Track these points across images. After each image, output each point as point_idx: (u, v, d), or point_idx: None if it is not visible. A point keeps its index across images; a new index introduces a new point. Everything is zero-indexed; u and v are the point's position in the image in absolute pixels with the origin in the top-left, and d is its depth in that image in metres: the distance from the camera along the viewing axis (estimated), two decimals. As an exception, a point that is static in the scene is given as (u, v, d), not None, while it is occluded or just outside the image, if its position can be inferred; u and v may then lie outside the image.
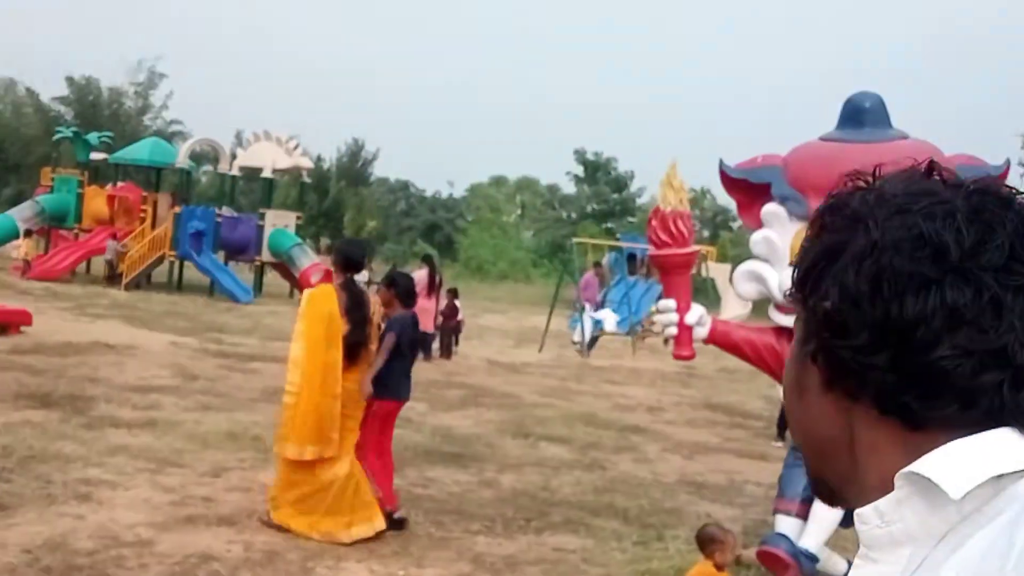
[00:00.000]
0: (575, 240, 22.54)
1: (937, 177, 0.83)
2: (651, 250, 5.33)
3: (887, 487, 0.78)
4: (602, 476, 8.41)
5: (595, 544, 6.34)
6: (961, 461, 0.75)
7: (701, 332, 5.33)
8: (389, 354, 6.33)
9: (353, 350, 6.16)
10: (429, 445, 8.86)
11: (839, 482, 0.88)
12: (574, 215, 51.05)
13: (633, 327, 19.43)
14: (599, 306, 20.01)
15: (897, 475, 0.76)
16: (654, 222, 5.22)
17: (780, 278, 5.21)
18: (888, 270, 0.78)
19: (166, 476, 6.97)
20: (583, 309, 18.87)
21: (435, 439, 9.16)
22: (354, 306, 6.18)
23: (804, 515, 5.13)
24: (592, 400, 12.92)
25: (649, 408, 12.80)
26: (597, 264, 22.16)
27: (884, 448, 0.81)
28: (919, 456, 0.77)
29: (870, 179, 0.86)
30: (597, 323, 18.64)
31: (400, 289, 6.71)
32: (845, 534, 6.56)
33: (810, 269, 0.85)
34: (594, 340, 18.64)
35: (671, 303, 5.26)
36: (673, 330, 5.27)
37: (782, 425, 11.49)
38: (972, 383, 0.76)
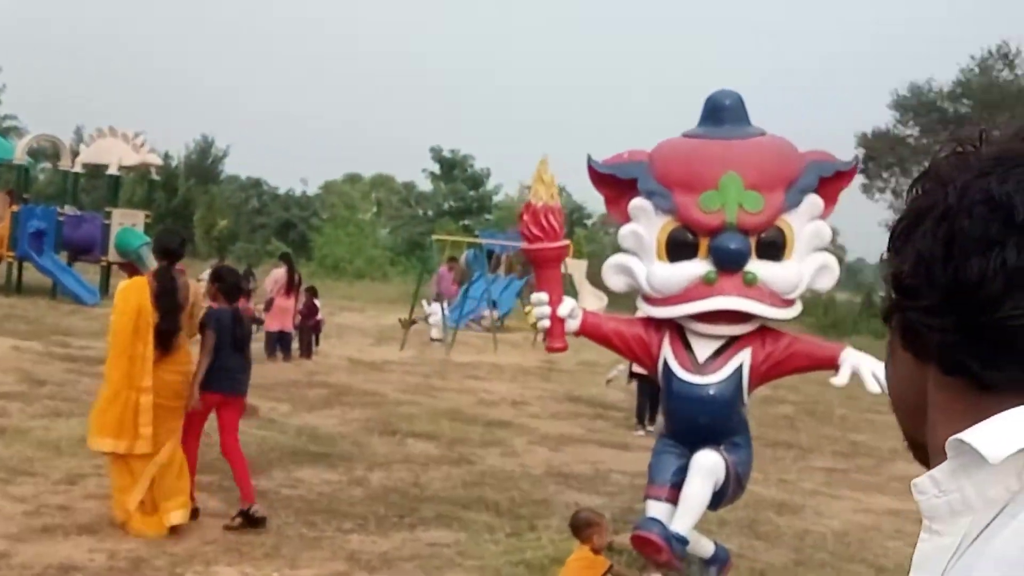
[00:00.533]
0: (434, 237, 22.50)
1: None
2: (523, 244, 5.38)
3: None
4: (471, 470, 8.44)
5: (468, 537, 6.37)
6: (1006, 426, 0.74)
7: (573, 324, 5.42)
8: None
9: (164, 338, 6.04)
10: (295, 445, 8.70)
11: (921, 441, 0.87)
12: (431, 213, 50.93)
13: (477, 319, 19.71)
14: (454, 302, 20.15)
15: (947, 443, 0.75)
16: (526, 217, 5.28)
17: (647, 271, 5.35)
18: (959, 233, 0.78)
19: (17, 486, 6.62)
20: (443, 303, 18.91)
21: (300, 439, 9.00)
22: (162, 294, 6.05)
23: (674, 500, 5.29)
24: (456, 396, 12.94)
25: (513, 402, 12.91)
26: (452, 259, 22.17)
27: (952, 410, 0.80)
28: (983, 419, 0.76)
29: (976, 143, 0.85)
30: (445, 317, 18.79)
31: (224, 284, 6.59)
32: (707, 515, 6.81)
33: (897, 233, 0.85)
34: (412, 322, 18.96)
35: (544, 296, 5.32)
36: (546, 323, 5.34)
37: (641, 414, 11.81)
38: None
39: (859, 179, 35.84)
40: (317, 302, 16.24)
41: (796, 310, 5.43)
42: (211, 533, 6.06)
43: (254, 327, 15.61)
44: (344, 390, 12.38)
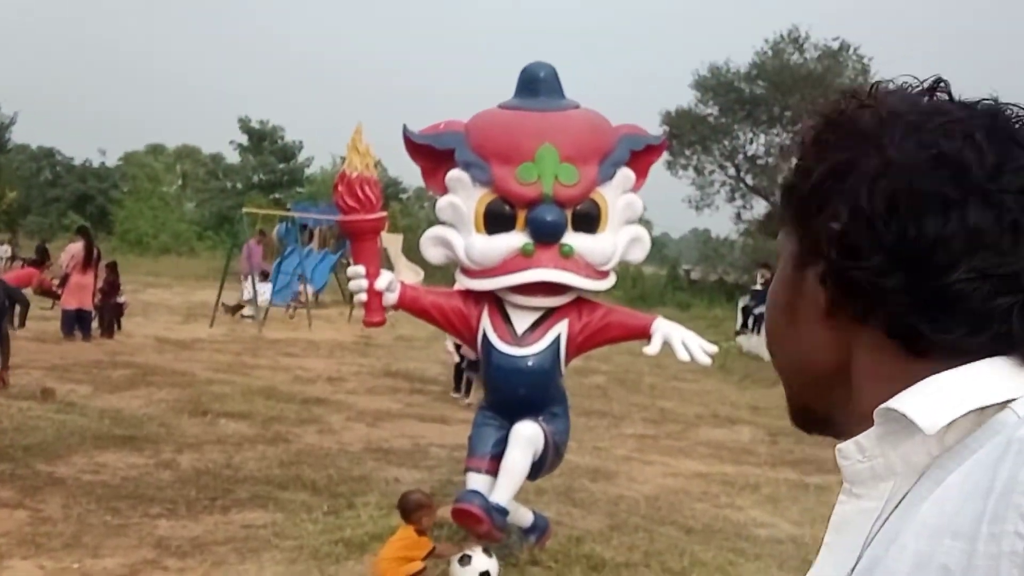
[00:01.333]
0: (244, 210, 21.74)
1: (943, 95, 0.81)
2: (339, 216, 5.25)
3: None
4: (287, 449, 8.24)
5: (285, 517, 6.21)
6: (940, 395, 0.73)
7: (391, 298, 5.33)
8: None
9: None
10: (97, 429, 8.23)
11: (828, 410, 0.85)
12: (240, 185, 49.29)
13: (296, 297, 19.31)
14: (267, 275, 19.63)
15: (876, 411, 0.74)
16: (340, 187, 5.14)
17: (465, 243, 5.32)
18: (905, 190, 0.75)
19: None
20: (253, 278, 18.39)
21: (103, 422, 8.52)
22: None
23: (494, 471, 5.31)
24: (270, 373, 12.60)
25: (329, 379, 12.69)
26: (261, 232, 21.56)
27: (883, 375, 0.78)
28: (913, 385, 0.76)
29: (866, 98, 0.82)
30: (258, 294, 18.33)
31: None
32: (526, 485, 6.90)
33: (815, 189, 0.81)
34: (237, 308, 18.47)
35: (360, 269, 5.21)
36: (363, 296, 5.23)
37: (459, 378, 11.87)
38: (984, 307, 0.74)
39: (664, 156, 37.07)
40: (118, 278, 15.44)
41: (610, 281, 5.54)
42: (3, 524, 5.66)
43: (52, 304, 14.83)
44: (150, 370, 11.83)
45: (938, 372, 0.75)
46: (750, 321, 19.59)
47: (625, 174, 5.45)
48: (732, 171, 37.81)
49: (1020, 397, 0.73)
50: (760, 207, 38.41)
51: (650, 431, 10.85)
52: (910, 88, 0.82)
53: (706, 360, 5.43)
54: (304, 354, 14.95)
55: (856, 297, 0.78)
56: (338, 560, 5.46)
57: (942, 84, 0.81)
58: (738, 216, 38.79)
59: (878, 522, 0.74)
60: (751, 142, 37.23)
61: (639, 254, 5.64)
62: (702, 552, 6.23)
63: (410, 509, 5.17)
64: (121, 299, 15.43)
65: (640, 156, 5.56)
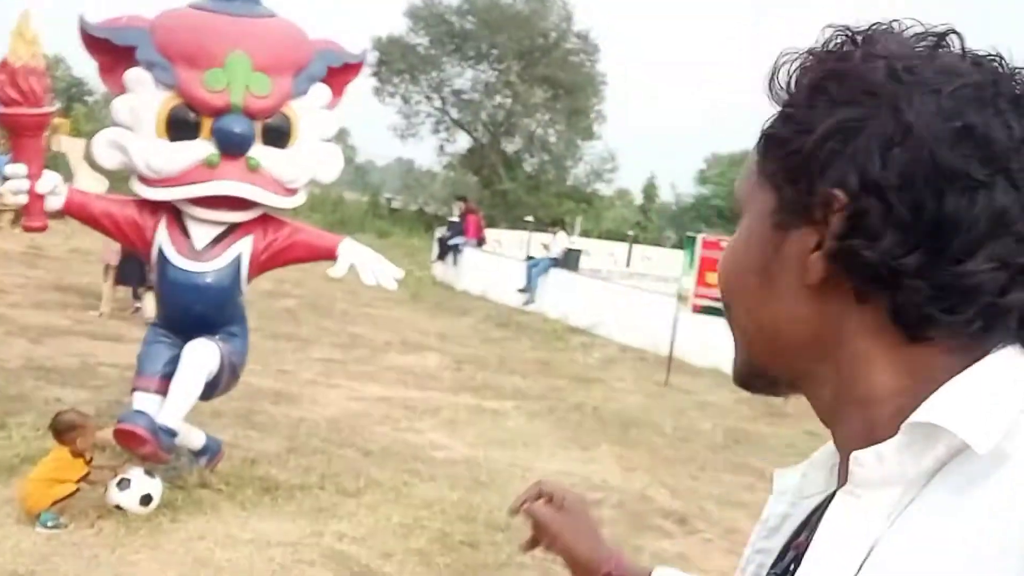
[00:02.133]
0: None
1: (946, 47, 0.73)
2: (-2, 108, 4.72)
3: (876, 405, 0.72)
4: (-70, 364, 7.44)
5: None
6: (979, 403, 0.67)
7: (55, 202, 4.91)
8: None
9: None
10: None
11: (794, 379, 0.79)
12: None
13: None
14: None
15: (905, 424, 0.68)
16: (2, 77, 4.62)
17: (144, 149, 4.98)
18: (926, 162, 0.68)
19: None
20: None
21: None
22: None
23: (163, 391, 5.07)
24: (-84, 281, 11.32)
25: (-10, 290, 11.59)
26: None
27: (878, 359, 0.72)
28: (915, 373, 0.71)
29: (868, 43, 0.74)
30: None
31: None
32: (201, 407, 6.67)
33: (817, 147, 0.72)
34: None
35: (21, 168, 4.74)
36: (23, 198, 4.77)
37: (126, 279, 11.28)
38: (999, 300, 0.69)
39: (371, 82, 36.75)
40: None
41: (300, 199, 5.40)
42: None
43: None
44: None
45: (937, 361, 0.71)
46: (446, 252, 19.97)
47: (320, 90, 5.31)
48: (438, 103, 38.15)
49: None
50: (463, 141, 39.16)
51: (337, 356, 10.82)
52: (913, 35, 0.74)
53: (392, 285, 5.45)
54: (-39, 263, 13.55)
55: (860, 275, 0.71)
56: (-18, 484, 5.03)
57: (952, 35, 0.74)
58: (441, 148, 39.33)
59: (882, 529, 0.68)
60: (458, 76, 37.69)
61: (331, 174, 5.54)
62: (378, 473, 6.32)
63: (62, 429, 4.84)
64: None
65: (337, 73, 5.43)
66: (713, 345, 11.95)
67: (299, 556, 4.79)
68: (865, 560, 0.67)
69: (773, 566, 0.84)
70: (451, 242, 19.65)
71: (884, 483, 0.69)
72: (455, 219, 20.57)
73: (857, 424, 0.74)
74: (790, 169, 0.74)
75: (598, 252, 24.53)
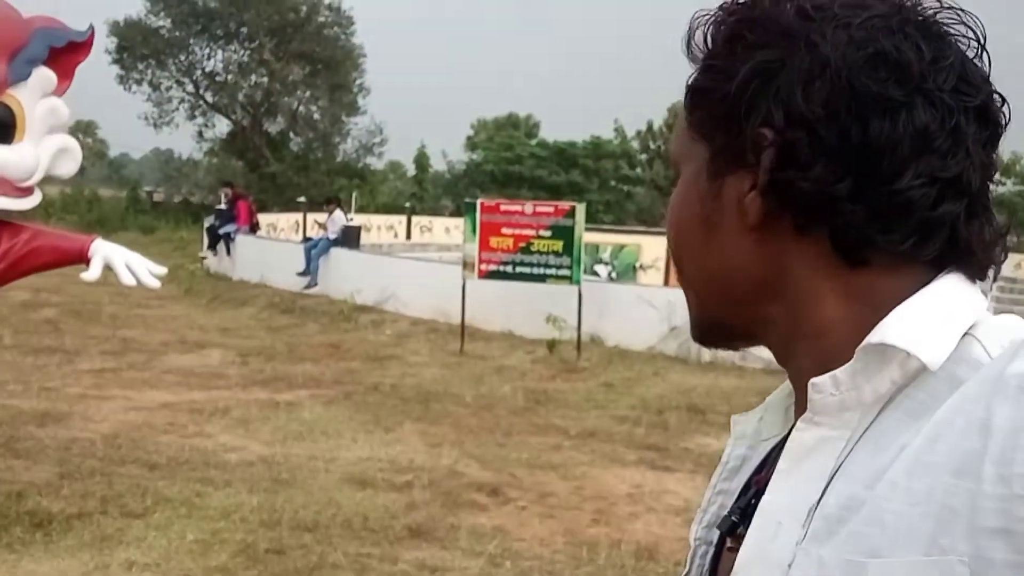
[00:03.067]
0: None
1: None
2: None
3: (826, 335, 0.75)
4: None
5: None
6: (928, 323, 0.70)
7: None
8: None
9: None
10: None
11: (748, 326, 0.81)
12: None
13: None
14: None
15: (859, 348, 0.70)
16: None
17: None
18: (846, 91, 0.71)
19: None
20: None
21: None
22: None
23: None
24: None
25: None
26: None
27: (825, 291, 0.75)
28: (861, 299, 0.74)
29: None
30: None
31: None
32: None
33: (740, 91, 0.74)
34: None
35: None
36: None
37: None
38: (932, 214, 0.72)
39: (115, 70, 34.63)
40: None
41: (36, 199, 4.81)
42: None
43: None
44: None
45: (881, 285, 0.73)
46: (217, 242, 19.04)
47: (44, 74, 4.71)
48: (191, 87, 36.46)
49: (979, 322, 0.72)
50: (222, 125, 37.59)
51: (110, 364, 10.05)
52: None
53: (154, 283, 4.95)
54: None
55: (797, 207, 0.73)
56: None
57: None
58: (200, 134, 37.65)
59: (843, 452, 0.70)
60: (208, 58, 36.08)
61: (70, 167, 4.95)
62: (167, 488, 5.82)
63: None
64: None
65: (63, 55, 4.84)
66: (503, 309, 11.94)
67: (82, 596, 4.29)
68: (827, 486, 0.69)
69: (735, 503, 0.86)
70: (221, 231, 18.75)
71: (842, 408, 0.71)
72: (223, 207, 19.63)
73: (811, 358, 0.76)
74: (717, 117, 0.77)
75: (377, 227, 24.19)
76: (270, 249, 17.84)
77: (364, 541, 5.10)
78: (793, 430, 0.74)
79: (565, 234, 10.84)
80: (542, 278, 10.91)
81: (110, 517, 5.29)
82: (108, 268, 4.86)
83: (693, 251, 0.81)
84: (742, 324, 0.81)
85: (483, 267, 11.13)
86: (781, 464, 0.74)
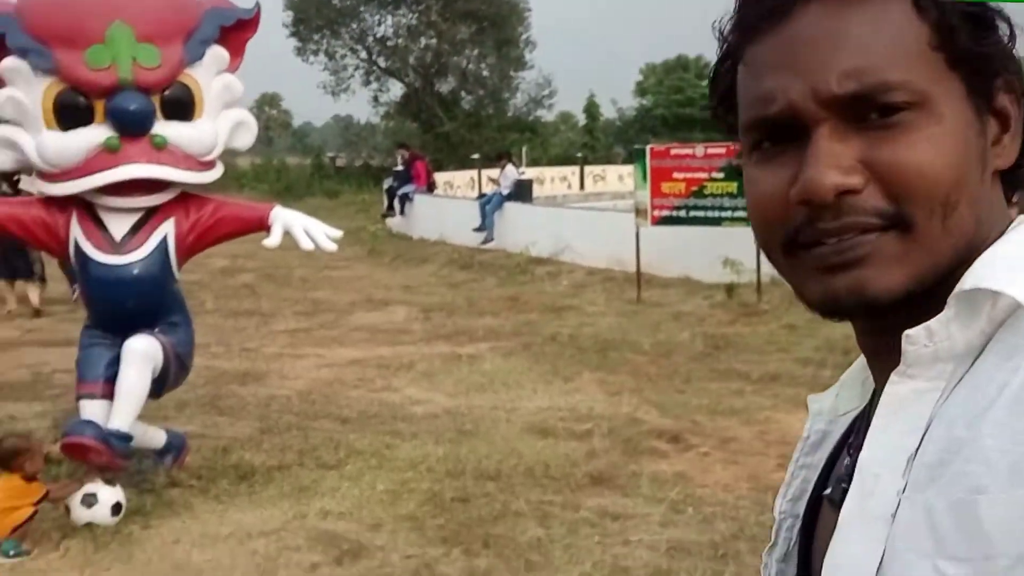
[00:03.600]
0: None
1: None
2: None
3: None
4: None
5: None
6: (1015, 263, 0.69)
7: (-45, 214, 4.53)
8: None
9: None
10: None
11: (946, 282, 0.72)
12: None
13: None
14: None
15: (951, 297, 0.68)
16: None
17: (36, 142, 4.59)
18: None
19: None
20: None
21: None
22: None
23: (110, 395, 4.76)
24: None
25: (-71, 315, 11.14)
26: None
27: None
28: None
29: None
30: None
31: None
32: (163, 400, 6.37)
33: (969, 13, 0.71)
34: None
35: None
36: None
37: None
38: None
39: (292, 43, 35.89)
40: None
41: (217, 172, 5.04)
42: None
43: None
44: None
45: None
46: (395, 202, 19.57)
47: (217, 53, 4.91)
48: (364, 54, 37.34)
49: None
50: (396, 89, 38.43)
51: (302, 324, 10.53)
52: None
53: (331, 246, 5.12)
54: None
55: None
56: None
57: None
58: (375, 99, 38.60)
59: (939, 401, 0.68)
60: (379, 24, 36.85)
61: (247, 139, 5.17)
62: (357, 440, 6.06)
63: (7, 457, 4.52)
64: None
65: (232, 33, 5.03)
66: (679, 255, 11.75)
67: (283, 543, 4.53)
68: (924, 435, 0.68)
69: (825, 471, 0.85)
70: (400, 192, 19.24)
71: (935, 359, 0.69)
72: (400, 168, 20.12)
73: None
74: (996, 56, 0.73)
75: (551, 178, 24.22)
76: (446, 207, 18.19)
77: (546, 489, 5.16)
78: (887, 384, 0.72)
79: (739, 175, 10.51)
80: (717, 221, 10.63)
81: (306, 469, 5.56)
82: (287, 234, 5.06)
83: (974, 193, 0.72)
84: (950, 284, 0.71)
85: (656, 213, 10.96)
86: (876, 420, 0.72)
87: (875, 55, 0.69)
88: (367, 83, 37.98)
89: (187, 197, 4.99)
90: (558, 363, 8.20)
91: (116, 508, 4.69)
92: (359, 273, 14.74)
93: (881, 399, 0.72)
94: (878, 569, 0.67)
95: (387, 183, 20.92)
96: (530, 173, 18.59)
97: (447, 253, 16.03)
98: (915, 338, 0.69)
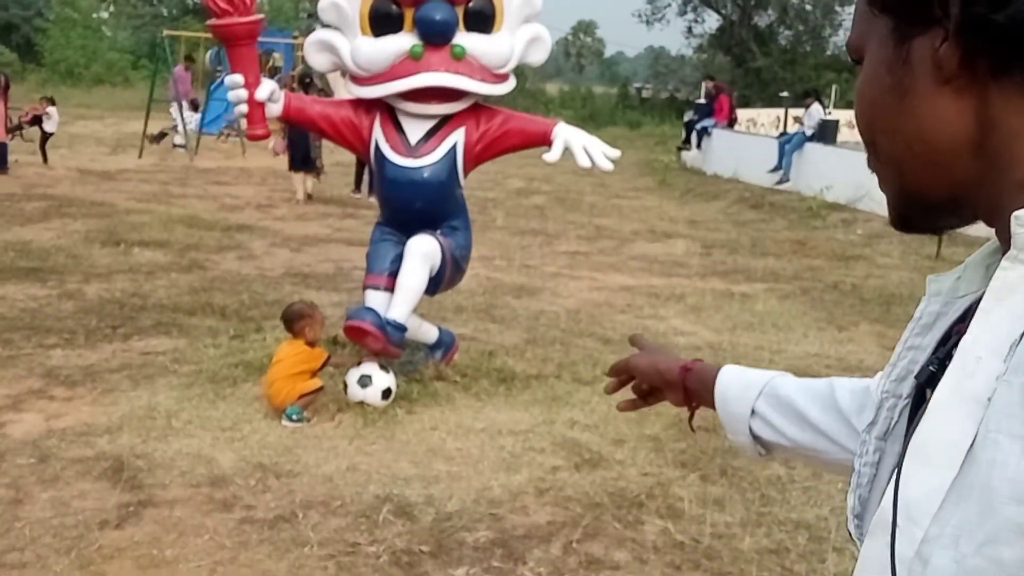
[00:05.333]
0: (166, 33, 20.65)
1: None
2: (211, 20, 4.84)
3: None
4: (201, 276, 8.03)
5: (188, 343, 6.05)
6: None
7: (275, 108, 5.00)
8: None
9: None
10: None
11: (954, 192, 0.79)
12: (175, 11, 47.19)
13: (231, 124, 18.65)
14: (197, 104, 18.92)
15: None
16: (211, -12, 4.71)
17: (351, 47, 4.97)
18: None
19: None
20: (181, 106, 17.74)
21: (7, 255, 8.23)
22: None
23: (392, 287, 5.14)
24: (196, 202, 12.27)
25: (258, 206, 12.40)
26: (188, 58, 20.64)
27: None
28: None
29: None
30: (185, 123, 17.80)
31: None
32: (444, 302, 6.78)
33: None
34: (163, 136, 18.01)
35: (239, 78, 4.85)
36: (244, 108, 4.89)
37: (359, 179, 12.80)
38: None
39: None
40: (52, 110, 15.17)
41: (509, 85, 5.23)
42: None
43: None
44: (68, 201, 11.45)
45: None
46: (692, 135, 19.32)
47: (520, -33, 5.06)
48: (683, -18, 36.73)
49: None
50: (711, 20, 37.55)
51: (583, 248, 10.75)
52: None
53: (608, 165, 5.19)
54: (235, 182, 14.58)
55: (995, 45, 0.71)
56: (235, 383, 5.34)
57: None
58: (690, 30, 37.98)
59: None
60: (702, -48, 36.03)
61: (540, 55, 5.31)
62: (615, 360, 6.18)
63: (292, 319, 5.04)
64: (47, 124, 15.08)
65: (537, -53, 5.15)
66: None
67: (529, 444, 4.77)
68: None
69: (934, 353, 0.84)
70: (699, 125, 18.96)
71: None
72: (702, 101, 19.78)
73: (1020, 206, 0.71)
74: None
75: (861, 123, 22.90)
76: (744, 143, 17.73)
77: (796, 433, 5.06)
78: (997, 269, 0.72)
79: None
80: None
81: (562, 381, 5.76)
82: (567, 151, 5.19)
83: (889, 123, 0.80)
84: (947, 193, 0.79)
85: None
86: (984, 303, 0.72)
87: (855, 24, 0.84)
88: (683, 13, 37.44)
89: (478, 108, 5.22)
90: (836, 311, 7.91)
91: (387, 393, 5.10)
92: (647, 204, 14.78)
93: (991, 283, 0.72)
94: (968, 450, 0.67)
95: (687, 115, 20.67)
96: (839, 115, 17.66)
97: (739, 191, 15.70)
98: (1022, 219, 0.70)
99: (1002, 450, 0.65)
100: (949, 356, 0.77)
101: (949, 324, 0.85)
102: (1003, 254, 0.75)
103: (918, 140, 0.78)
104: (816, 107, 15.85)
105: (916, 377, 0.84)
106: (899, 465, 0.74)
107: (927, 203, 0.82)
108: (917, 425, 0.74)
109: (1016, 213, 0.70)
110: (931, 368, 0.82)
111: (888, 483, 0.74)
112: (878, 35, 0.80)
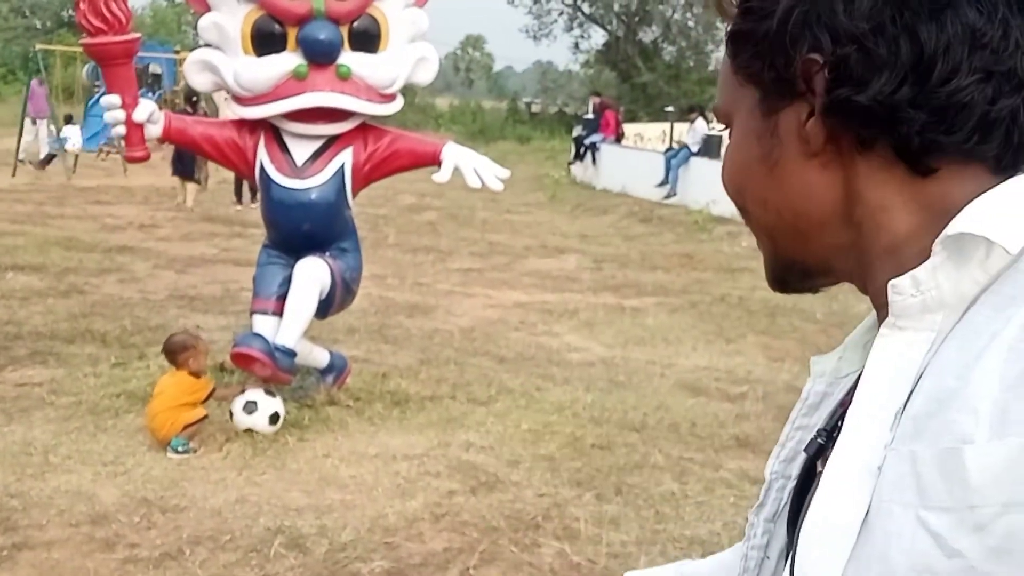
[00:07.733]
0: (39, 46, 19.87)
1: None
2: (84, 39, 4.66)
3: (901, 249, 0.73)
4: (80, 301, 7.72)
5: (66, 373, 5.80)
6: (1002, 213, 0.68)
7: (154, 130, 4.85)
8: None
9: None
10: None
11: (825, 258, 0.80)
12: (49, 23, 45.62)
13: (110, 141, 18.07)
14: (70, 119, 18.28)
15: (936, 242, 0.69)
16: (83, 5, 4.54)
17: (233, 67, 4.85)
18: (888, 2, 0.70)
19: None
20: (34, 121, 17.15)
21: None
22: None
23: (281, 311, 5.03)
24: (75, 223, 11.82)
25: (141, 225, 12.02)
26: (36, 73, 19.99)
27: (895, 204, 0.74)
28: (932, 207, 0.72)
29: None
30: (61, 141, 17.10)
31: None
32: (335, 324, 6.67)
33: (781, 25, 0.74)
34: (51, 157, 17.21)
35: (115, 99, 4.69)
36: (122, 129, 4.73)
37: (239, 189, 13.28)
38: (991, 108, 0.71)
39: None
40: None
41: (397, 105, 5.19)
42: None
43: None
44: (-69, 226, 10.89)
45: (953, 192, 0.72)
46: (582, 151, 19.55)
47: (406, -14, 5.03)
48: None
49: None
50: (598, 36, 38.17)
51: (476, 264, 10.75)
52: None
53: (498, 186, 5.20)
54: (116, 201, 14.12)
55: (858, 123, 0.73)
56: (117, 414, 5.14)
57: None
58: (576, 46, 38.50)
59: (929, 353, 0.69)
60: (587, -32, 36.59)
61: (427, 75, 5.28)
62: (510, 380, 6.19)
63: (175, 351, 4.89)
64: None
65: (422, -33, 5.13)
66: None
67: (425, 468, 4.71)
68: (914, 388, 0.68)
69: (822, 428, 0.85)
70: (587, 140, 19.20)
71: (924, 310, 0.70)
72: (589, 116, 20.06)
73: (889, 273, 0.73)
74: (763, 55, 0.77)
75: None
76: (632, 158, 18.03)
77: (688, 446, 5.13)
78: (876, 337, 0.73)
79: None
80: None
81: (457, 402, 5.72)
82: (456, 170, 5.17)
83: (757, 191, 0.81)
84: (817, 257, 0.80)
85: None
86: (866, 372, 0.72)
87: (721, 91, 0.84)
88: (569, 29, 37.93)
89: (366, 128, 5.16)
90: (723, 324, 8.07)
91: (274, 418, 4.98)
92: (539, 219, 14.88)
93: (871, 352, 0.73)
94: (863, 522, 0.67)
95: (576, 131, 20.92)
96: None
97: (628, 205, 15.94)
98: (901, 287, 0.70)
99: (895, 520, 0.65)
100: (837, 429, 0.76)
101: (835, 403, 0.86)
102: (880, 322, 0.76)
103: (788, 210, 0.79)
104: (700, 122, 16.22)
105: (805, 450, 0.85)
106: (792, 544, 0.72)
107: (801, 268, 0.83)
108: (809, 502, 0.73)
109: (892, 281, 0.71)
110: (819, 440, 0.82)
111: (779, 564, 0.73)
112: (745, 105, 0.81)
